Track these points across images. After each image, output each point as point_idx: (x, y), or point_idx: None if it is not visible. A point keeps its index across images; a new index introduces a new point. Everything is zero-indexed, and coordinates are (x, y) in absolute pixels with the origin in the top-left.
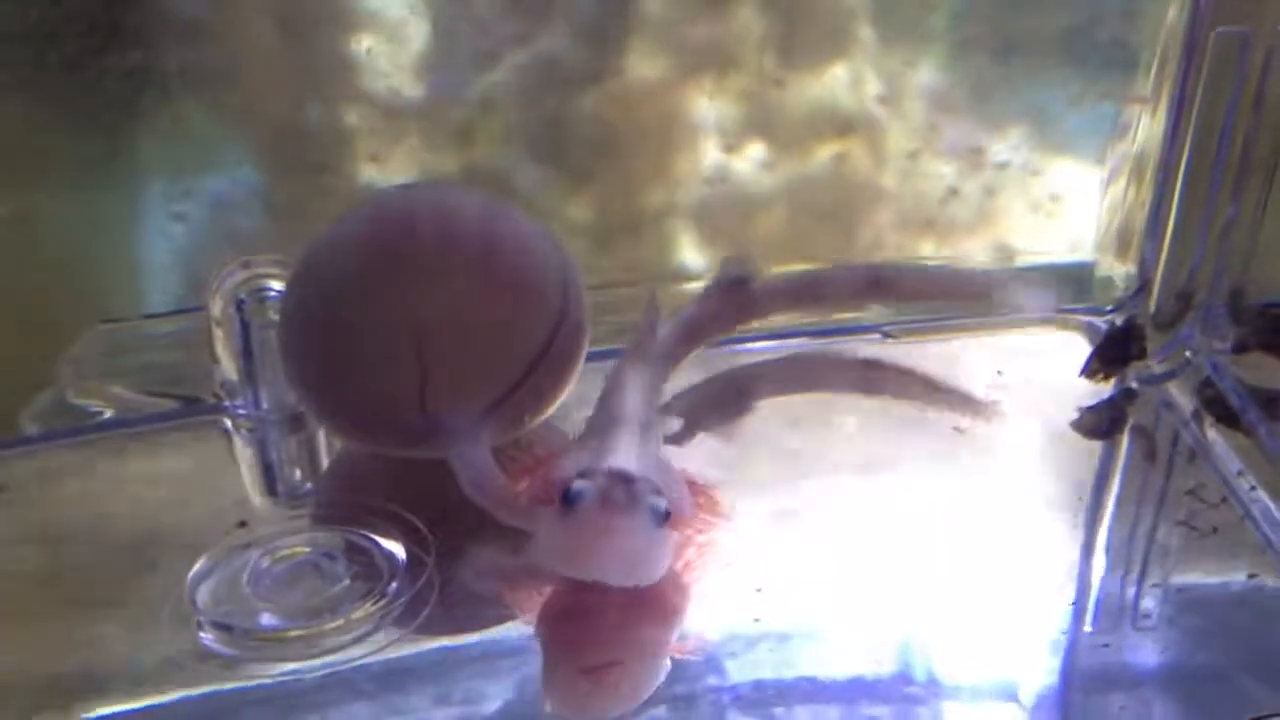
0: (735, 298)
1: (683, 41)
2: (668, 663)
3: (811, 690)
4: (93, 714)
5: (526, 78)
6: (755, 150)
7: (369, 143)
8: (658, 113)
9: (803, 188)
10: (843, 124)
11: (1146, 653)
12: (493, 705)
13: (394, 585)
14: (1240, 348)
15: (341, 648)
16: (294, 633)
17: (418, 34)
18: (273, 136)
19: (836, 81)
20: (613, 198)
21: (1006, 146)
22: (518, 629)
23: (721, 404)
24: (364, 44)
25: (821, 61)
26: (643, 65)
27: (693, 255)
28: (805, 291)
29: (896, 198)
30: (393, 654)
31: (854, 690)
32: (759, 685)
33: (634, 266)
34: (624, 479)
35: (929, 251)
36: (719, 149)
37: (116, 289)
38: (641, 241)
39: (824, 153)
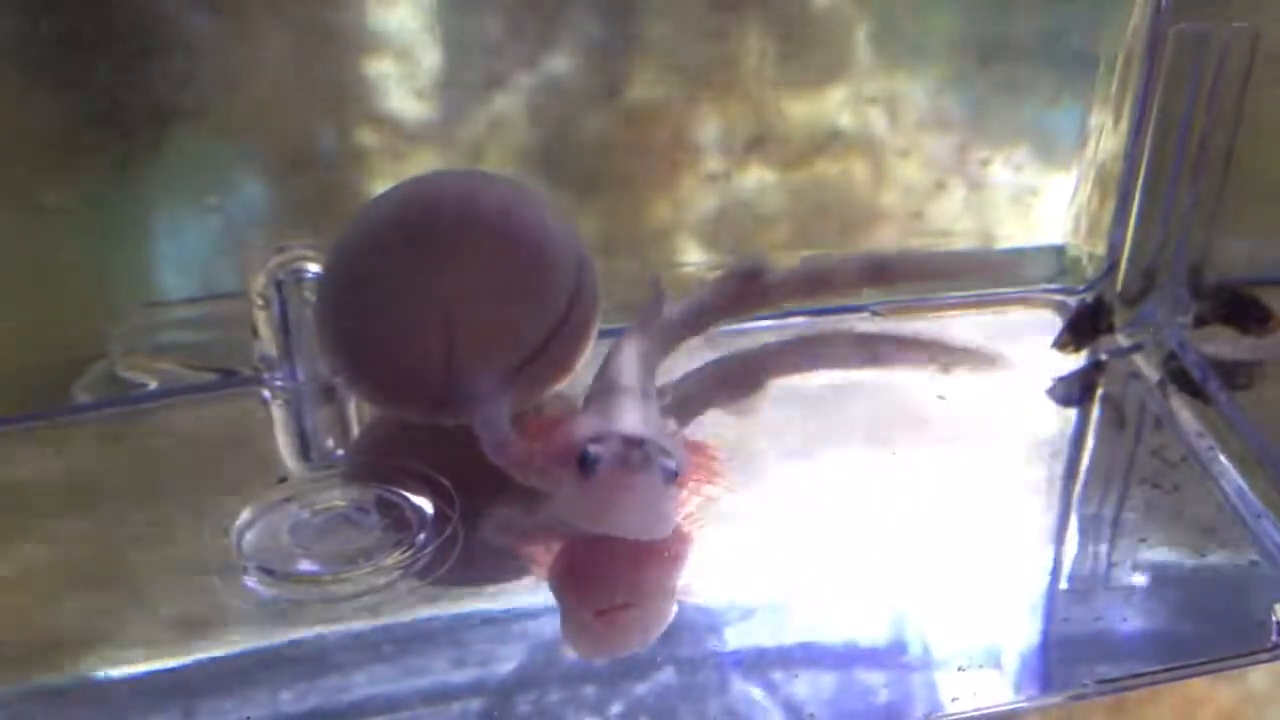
0: (747, 286)
1: (686, 61)
2: (675, 605)
3: (807, 654)
4: (136, 663)
5: (534, 98)
6: (757, 165)
7: (382, 160)
8: (662, 131)
9: (803, 199)
10: (839, 132)
11: (1118, 610)
12: (506, 666)
13: (421, 536)
14: (1200, 322)
15: (373, 591)
16: (329, 578)
17: (429, 55)
18: (289, 151)
19: (833, 95)
20: (618, 214)
21: (989, 145)
22: (533, 590)
23: (733, 381)
24: (377, 65)
25: (819, 78)
26: (647, 85)
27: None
28: (814, 282)
29: (889, 194)
30: (412, 616)
31: (846, 653)
32: (759, 649)
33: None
34: (636, 442)
35: (919, 242)
36: (721, 165)
37: (159, 273)
38: (647, 256)
39: (821, 160)
